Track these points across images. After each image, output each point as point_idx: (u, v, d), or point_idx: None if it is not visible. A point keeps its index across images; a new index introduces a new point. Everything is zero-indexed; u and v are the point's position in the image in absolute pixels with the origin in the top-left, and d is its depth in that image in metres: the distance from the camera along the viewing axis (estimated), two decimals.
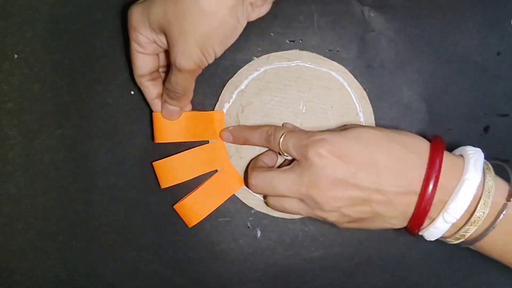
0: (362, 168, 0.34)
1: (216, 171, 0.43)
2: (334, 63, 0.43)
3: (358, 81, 0.43)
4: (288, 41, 0.43)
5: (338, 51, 0.43)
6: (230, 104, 0.43)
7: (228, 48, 0.42)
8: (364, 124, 0.43)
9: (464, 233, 0.34)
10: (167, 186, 0.42)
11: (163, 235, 0.43)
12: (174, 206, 0.42)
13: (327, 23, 0.43)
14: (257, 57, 0.43)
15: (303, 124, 0.43)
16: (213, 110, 0.43)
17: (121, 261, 0.44)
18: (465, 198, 0.33)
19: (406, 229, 0.36)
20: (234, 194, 0.43)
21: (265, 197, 0.42)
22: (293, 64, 0.43)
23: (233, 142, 0.42)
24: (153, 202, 0.43)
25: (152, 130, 0.42)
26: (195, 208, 0.42)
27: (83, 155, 0.43)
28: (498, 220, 0.33)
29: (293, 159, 0.38)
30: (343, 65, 0.43)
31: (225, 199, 0.43)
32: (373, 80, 0.43)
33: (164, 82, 0.39)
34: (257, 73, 0.43)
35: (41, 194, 0.43)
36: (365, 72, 0.43)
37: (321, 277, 0.44)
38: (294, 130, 0.39)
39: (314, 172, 0.35)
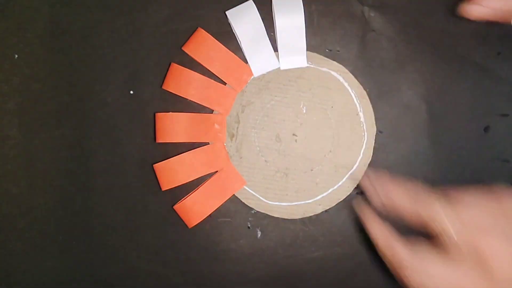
0: None
1: (216, 172, 0.43)
2: (334, 63, 0.43)
3: (358, 81, 0.43)
4: None
5: (338, 51, 0.43)
6: None
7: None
8: (364, 124, 0.43)
9: None
10: (168, 188, 0.42)
11: (163, 235, 0.43)
12: (174, 207, 0.42)
13: (327, 23, 0.43)
14: None
15: (304, 124, 0.43)
16: (211, 110, 0.43)
17: (121, 261, 0.44)
18: None
19: None
20: (234, 194, 0.43)
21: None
22: None
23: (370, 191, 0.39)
24: (153, 202, 0.43)
25: (152, 130, 0.42)
26: (195, 209, 0.42)
27: (83, 155, 0.43)
28: None
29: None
30: (343, 65, 0.43)
31: (225, 200, 0.43)
32: (373, 80, 0.43)
33: None
34: None
35: (41, 193, 0.43)
36: (365, 72, 0.43)
37: (322, 277, 0.44)
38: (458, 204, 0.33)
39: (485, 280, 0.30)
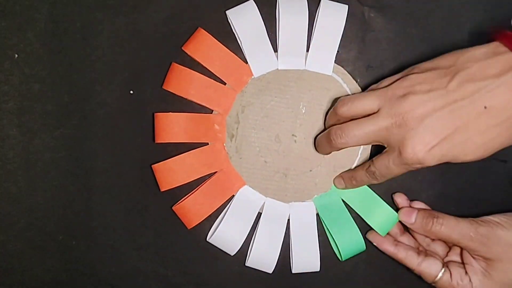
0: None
1: (216, 172, 0.43)
2: (334, 64, 0.43)
3: (358, 81, 0.43)
4: None
5: (338, 51, 0.43)
6: None
7: (230, 49, 0.43)
8: None
9: None
10: (167, 188, 0.42)
11: (162, 235, 0.43)
12: (173, 208, 0.43)
13: None
14: None
15: (303, 125, 0.43)
16: (212, 110, 0.43)
17: (121, 261, 0.44)
18: None
19: None
20: (233, 194, 0.43)
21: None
22: None
23: (346, 187, 0.43)
24: (152, 202, 0.43)
25: (152, 130, 0.42)
26: (194, 210, 0.42)
27: (83, 155, 0.43)
28: None
29: None
30: (343, 66, 0.43)
31: (225, 200, 0.43)
32: (373, 81, 0.43)
33: None
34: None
35: (41, 193, 0.43)
36: (365, 72, 0.43)
37: (321, 276, 0.44)
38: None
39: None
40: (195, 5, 0.43)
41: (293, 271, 0.43)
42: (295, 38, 0.42)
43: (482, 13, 0.43)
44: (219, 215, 0.43)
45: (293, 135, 0.43)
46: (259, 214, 0.43)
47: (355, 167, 0.43)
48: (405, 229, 0.43)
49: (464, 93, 0.34)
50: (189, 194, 0.43)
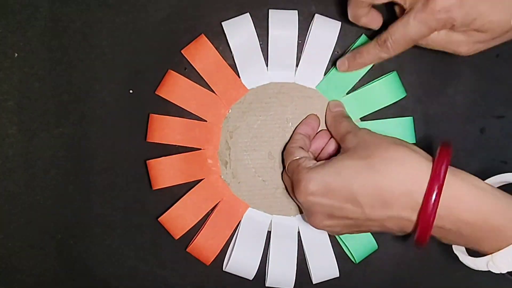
0: (347, 202, 0.34)
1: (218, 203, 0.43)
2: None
3: (358, 82, 0.43)
4: None
5: (337, 52, 0.43)
6: None
7: (228, 48, 0.42)
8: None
9: None
10: (159, 187, 0.42)
11: (161, 235, 0.43)
12: (188, 249, 0.42)
13: None
14: None
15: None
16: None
17: (119, 260, 0.44)
18: None
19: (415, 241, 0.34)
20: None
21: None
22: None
23: (349, 68, 0.41)
24: (151, 201, 0.43)
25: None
26: (207, 245, 0.42)
27: (82, 154, 0.43)
28: None
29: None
30: None
31: (234, 228, 0.43)
32: (372, 80, 0.43)
33: None
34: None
35: (40, 192, 0.43)
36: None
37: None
38: (296, 162, 0.38)
39: (307, 207, 0.36)
40: (194, 5, 0.43)
41: (314, 282, 0.43)
42: (284, 51, 0.42)
43: None
44: (231, 242, 0.43)
45: None
46: (269, 233, 0.43)
47: None
48: None
49: None
50: (198, 232, 0.42)
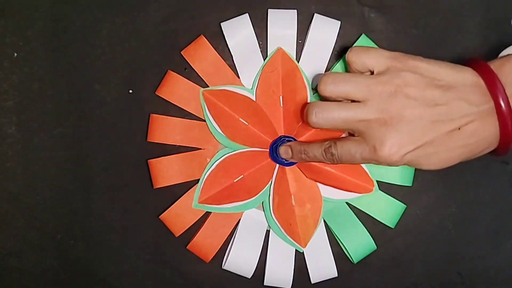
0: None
1: None
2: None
3: None
4: None
5: (336, 52, 0.43)
6: None
7: (227, 48, 0.42)
8: None
9: None
10: (160, 186, 0.42)
11: (161, 235, 0.43)
12: (188, 247, 0.42)
13: None
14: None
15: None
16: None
17: (120, 260, 0.44)
18: None
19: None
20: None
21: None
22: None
23: (293, 158, 0.41)
24: (151, 201, 0.43)
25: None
26: (207, 243, 0.42)
27: (82, 154, 0.43)
28: None
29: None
30: None
31: (234, 225, 0.43)
32: None
33: None
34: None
35: (40, 192, 0.43)
36: None
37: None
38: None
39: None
40: (194, 5, 0.43)
41: (312, 282, 0.43)
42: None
43: (482, 13, 0.43)
44: (230, 240, 0.43)
45: None
46: (268, 232, 0.43)
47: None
48: None
49: (448, 110, 0.35)
50: (198, 230, 0.42)
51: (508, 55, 0.37)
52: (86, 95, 0.43)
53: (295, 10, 0.42)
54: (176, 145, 0.42)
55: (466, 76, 0.35)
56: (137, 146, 0.43)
